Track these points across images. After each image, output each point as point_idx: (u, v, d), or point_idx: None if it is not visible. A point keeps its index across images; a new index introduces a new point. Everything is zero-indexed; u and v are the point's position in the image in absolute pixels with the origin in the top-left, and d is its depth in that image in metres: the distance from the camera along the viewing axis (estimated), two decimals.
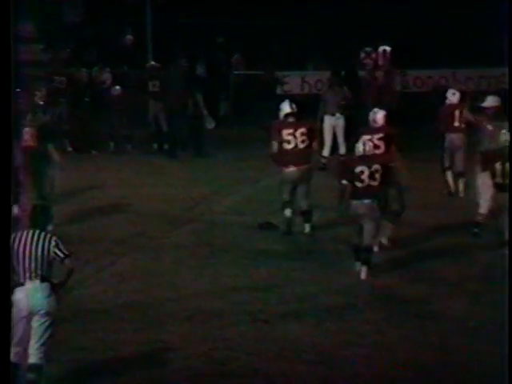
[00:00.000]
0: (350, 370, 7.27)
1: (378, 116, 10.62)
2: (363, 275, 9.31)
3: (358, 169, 9.40)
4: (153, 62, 18.62)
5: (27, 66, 21.25)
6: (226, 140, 17.97)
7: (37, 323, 6.66)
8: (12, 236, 6.73)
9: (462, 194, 12.82)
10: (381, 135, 10.27)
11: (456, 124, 12.99)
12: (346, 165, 9.85)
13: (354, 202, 9.41)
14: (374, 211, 9.39)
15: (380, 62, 18.04)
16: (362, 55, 18.43)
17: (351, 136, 15.38)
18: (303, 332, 7.99)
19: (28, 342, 6.70)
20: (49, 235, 6.74)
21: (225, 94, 20.26)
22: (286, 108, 11.09)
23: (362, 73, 18.14)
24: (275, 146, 10.94)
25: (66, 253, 6.72)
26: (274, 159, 11.11)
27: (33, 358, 6.68)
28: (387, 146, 10.22)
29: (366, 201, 9.36)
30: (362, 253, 9.45)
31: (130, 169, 14.70)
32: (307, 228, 10.99)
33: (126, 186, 13.10)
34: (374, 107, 16.25)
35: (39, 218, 6.82)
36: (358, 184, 9.39)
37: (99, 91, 18.23)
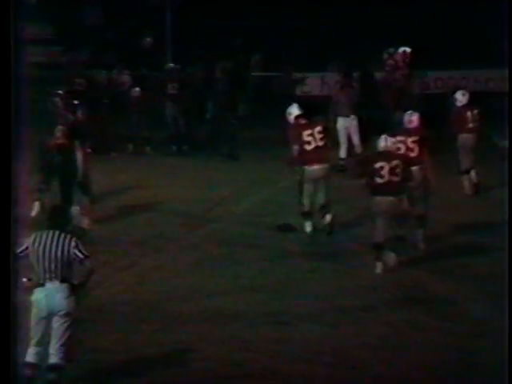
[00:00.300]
0: (370, 372, 7.25)
1: (413, 118, 10.68)
2: (378, 269, 9.44)
3: (378, 164, 9.45)
4: (172, 64, 18.64)
5: (47, 68, 21.41)
6: (245, 141, 17.96)
7: (57, 324, 6.70)
8: (32, 236, 6.78)
9: (469, 192, 12.76)
10: (415, 138, 10.34)
11: (469, 125, 12.97)
12: (365, 161, 9.89)
13: (377, 198, 9.43)
14: (396, 208, 9.43)
15: (400, 64, 17.96)
16: (385, 56, 18.34)
17: (366, 137, 15.41)
18: (322, 334, 7.97)
19: (48, 342, 6.73)
20: (68, 236, 6.77)
21: (244, 96, 20.25)
22: (295, 111, 11.14)
23: (380, 74, 18.06)
24: (296, 148, 10.94)
25: (86, 254, 6.75)
26: (294, 161, 11.10)
27: (53, 358, 6.72)
28: (421, 148, 10.28)
29: (390, 197, 9.40)
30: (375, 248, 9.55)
31: (148, 170, 14.72)
32: (328, 218, 10.95)
33: (145, 188, 13.12)
34: (393, 109, 16.28)
35: (59, 219, 6.85)
36: (379, 180, 9.42)
37: (118, 93, 18.28)
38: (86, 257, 6.74)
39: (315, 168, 10.83)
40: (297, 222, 11.36)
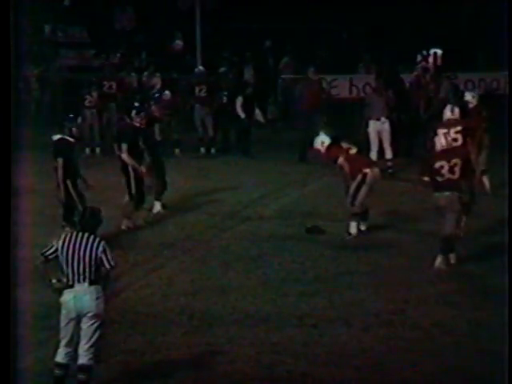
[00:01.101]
0: (399, 375, 7.20)
1: (456, 110, 11.16)
2: (437, 263, 9.68)
3: (438, 164, 9.74)
4: (200, 67, 18.70)
5: (79, 71, 21.58)
6: (274, 144, 17.97)
7: (86, 325, 6.75)
8: (61, 238, 6.84)
9: (489, 191, 12.70)
10: (458, 128, 10.78)
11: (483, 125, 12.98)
12: (426, 162, 10.10)
13: (436, 195, 9.77)
14: (454, 203, 9.69)
15: (430, 66, 17.86)
16: (419, 58, 18.24)
17: (397, 139, 15.32)
18: (351, 337, 7.94)
19: (77, 343, 6.79)
20: (97, 239, 6.81)
21: (273, 98, 20.26)
22: (326, 139, 11.20)
23: (410, 76, 17.94)
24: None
25: (112, 264, 6.79)
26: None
27: (82, 358, 6.77)
28: (464, 138, 10.72)
29: (447, 193, 9.68)
30: (440, 243, 9.76)
31: (177, 172, 14.75)
32: (363, 226, 11.11)
33: (174, 190, 13.15)
34: (424, 111, 16.17)
35: (89, 222, 6.89)
36: (439, 178, 9.74)
37: (149, 96, 18.37)
38: (111, 267, 6.78)
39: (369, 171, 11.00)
40: (326, 224, 11.35)
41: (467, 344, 7.78)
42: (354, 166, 10.97)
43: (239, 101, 16.58)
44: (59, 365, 6.83)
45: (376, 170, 11.24)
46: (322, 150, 11.19)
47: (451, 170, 9.72)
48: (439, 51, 19.83)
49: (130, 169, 11.47)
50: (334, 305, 8.72)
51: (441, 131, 10.88)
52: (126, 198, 11.52)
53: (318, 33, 21.66)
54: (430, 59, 19.55)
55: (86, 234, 6.80)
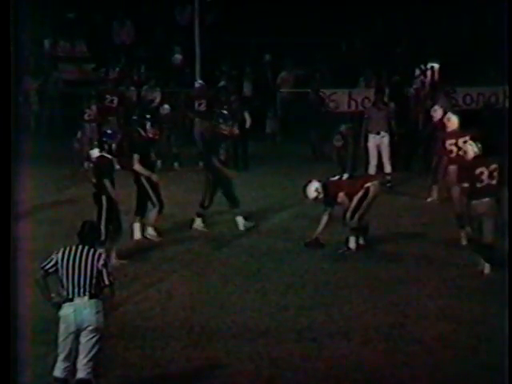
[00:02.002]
0: None
1: (455, 120, 11.29)
2: (487, 270, 9.78)
3: (478, 170, 9.77)
4: (200, 81, 18.74)
5: (78, 85, 21.61)
6: (273, 157, 17.98)
7: (85, 339, 6.72)
8: (61, 251, 6.82)
9: None
10: (466, 138, 10.71)
11: None
12: (465, 168, 10.12)
13: (474, 202, 9.76)
14: (493, 209, 9.71)
15: (427, 80, 17.91)
16: (418, 72, 18.26)
17: (397, 153, 15.34)
18: (351, 351, 7.91)
19: (76, 357, 6.75)
20: (98, 252, 6.81)
21: (272, 112, 20.29)
22: (318, 185, 11.18)
23: (410, 90, 17.99)
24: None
25: (110, 280, 6.76)
26: None
27: (81, 373, 6.74)
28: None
29: (486, 199, 9.69)
30: (484, 250, 9.78)
31: (177, 186, 14.76)
32: (362, 241, 11.10)
33: (173, 204, 13.14)
34: (423, 125, 16.17)
35: (89, 235, 6.88)
36: (478, 184, 9.75)
37: (148, 110, 18.39)
38: (110, 284, 6.76)
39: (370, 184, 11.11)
40: (326, 238, 11.35)
41: (467, 358, 7.75)
42: (353, 193, 10.99)
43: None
44: (57, 379, 6.79)
45: (376, 183, 11.26)
46: (320, 196, 11.15)
47: (491, 176, 9.74)
48: (436, 65, 19.86)
49: (144, 179, 11.40)
50: (334, 318, 8.70)
51: (448, 142, 10.94)
52: (151, 207, 11.52)
53: (317, 47, 21.71)
54: (428, 73, 19.59)
55: (86, 248, 6.78)
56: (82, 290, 6.67)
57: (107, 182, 10.21)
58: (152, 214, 11.59)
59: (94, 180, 10.42)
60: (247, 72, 21.28)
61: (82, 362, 6.72)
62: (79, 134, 17.36)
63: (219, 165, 11.88)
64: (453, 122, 11.38)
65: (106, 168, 10.32)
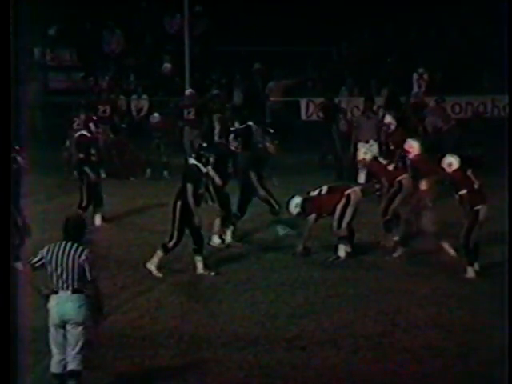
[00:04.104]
0: None
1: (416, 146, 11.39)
2: (469, 274, 10.15)
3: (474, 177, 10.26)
4: (189, 90, 18.75)
5: (67, 94, 21.60)
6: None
7: (70, 332, 6.89)
8: (46, 247, 7.00)
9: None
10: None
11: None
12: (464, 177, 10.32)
13: (476, 208, 10.08)
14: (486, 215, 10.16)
15: (416, 89, 17.97)
16: (415, 77, 18.28)
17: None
18: (340, 359, 7.91)
19: (65, 350, 6.91)
20: (81, 248, 6.95)
21: (261, 121, 20.29)
22: (299, 200, 11.31)
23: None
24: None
25: (93, 277, 6.92)
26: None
27: (71, 364, 6.90)
28: None
29: (485, 206, 10.12)
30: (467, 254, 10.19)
31: (166, 195, 14.69)
32: (349, 249, 11.12)
33: (163, 213, 13.11)
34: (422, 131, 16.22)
35: (72, 231, 7.01)
36: (476, 192, 10.13)
37: (137, 118, 18.41)
38: (91, 279, 6.91)
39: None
40: (315, 246, 11.36)
41: (457, 367, 7.76)
42: (334, 203, 11.05)
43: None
44: (55, 375, 6.93)
45: (357, 189, 11.29)
46: (300, 210, 11.23)
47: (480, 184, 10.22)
48: (425, 74, 19.97)
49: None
50: (323, 327, 8.70)
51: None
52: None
53: (307, 56, 21.77)
54: (425, 77, 19.65)
55: (70, 243, 6.95)
56: (65, 285, 6.87)
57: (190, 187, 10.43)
58: (217, 221, 11.68)
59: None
60: (237, 81, 21.32)
61: (71, 354, 6.89)
62: (68, 143, 17.34)
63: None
64: (415, 147, 11.40)
65: (191, 175, 10.57)
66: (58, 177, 16.38)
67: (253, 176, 12.09)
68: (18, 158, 10.76)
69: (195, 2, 21.05)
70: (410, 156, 11.44)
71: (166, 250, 10.55)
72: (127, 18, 23.17)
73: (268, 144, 12.37)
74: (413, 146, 11.49)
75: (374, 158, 11.95)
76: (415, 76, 18.82)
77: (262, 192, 12.13)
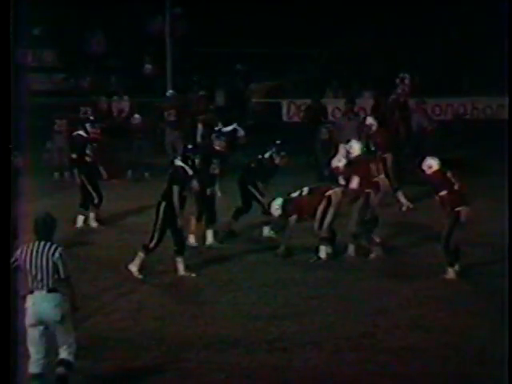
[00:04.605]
0: None
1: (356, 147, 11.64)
2: (449, 275, 10.19)
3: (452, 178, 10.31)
4: (171, 91, 18.72)
5: (50, 95, 21.50)
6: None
7: (54, 331, 6.90)
8: (20, 248, 7.02)
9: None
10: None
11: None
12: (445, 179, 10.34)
13: (457, 209, 10.14)
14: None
15: (398, 90, 18.00)
16: (397, 80, 18.31)
17: None
18: (322, 361, 7.93)
19: (43, 350, 6.89)
20: (54, 246, 6.94)
21: (244, 122, 20.31)
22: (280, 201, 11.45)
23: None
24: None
25: (66, 275, 6.92)
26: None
27: (62, 353, 6.93)
28: None
29: (466, 207, 10.16)
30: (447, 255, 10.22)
31: (148, 196, 14.68)
32: (330, 250, 11.16)
33: (145, 214, 13.10)
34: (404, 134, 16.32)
35: (42, 230, 7.00)
36: (456, 193, 10.17)
37: (118, 119, 18.36)
38: (65, 277, 6.92)
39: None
40: (296, 248, 11.37)
41: (437, 367, 7.79)
42: (315, 204, 11.07)
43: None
44: (33, 375, 6.89)
45: (338, 189, 11.31)
46: (281, 212, 11.28)
47: (459, 185, 10.33)
48: (407, 76, 20.02)
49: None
50: (305, 328, 8.72)
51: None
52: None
53: (289, 57, 21.79)
54: (406, 82, 19.68)
55: (43, 242, 6.95)
56: (40, 284, 6.86)
57: (175, 188, 10.43)
58: (193, 221, 11.73)
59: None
60: (219, 82, 21.33)
61: (63, 347, 6.94)
62: (49, 145, 17.27)
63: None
64: (354, 149, 11.56)
65: (177, 177, 10.53)
66: (39, 178, 16.29)
67: (253, 183, 12.30)
68: (15, 159, 10.77)
69: (177, 3, 21.02)
70: (350, 157, 11.62)
71: (146, 250, 10.53)
72: (109, 19, 23.11)
73: (275, 156, 12.42)
74: (353, 147, 11.65)
75: (349, 163, 11.94)
76: (397, 79, 18.88)
77: (258, 196, 12.30)
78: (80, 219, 12.97)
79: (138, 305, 9.47)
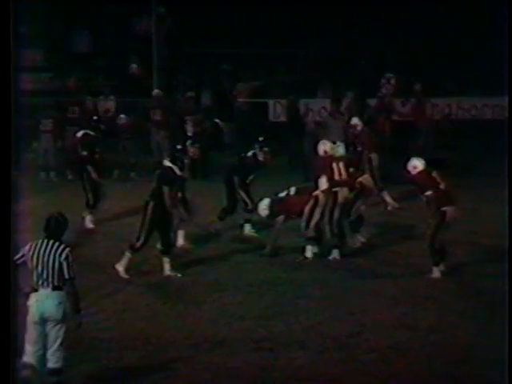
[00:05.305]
0: None
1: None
2: (434, 274, 10.24)
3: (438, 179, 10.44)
4: (157, 90, 18.68)
5: (35, 95, 21.40)
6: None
7: (49, 330, 6.92)
8: (28, 244, 7.04)
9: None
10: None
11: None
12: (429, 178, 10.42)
13: (444, 209, 10.15)
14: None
15: (384, 91, 18.07)
16: (383, 81, 18.39)
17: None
18: (308, 360, 7.93)
19: (44, 347, 6.93)
20: (62, 246, 7.00)
21: (230, 122, 20.31)
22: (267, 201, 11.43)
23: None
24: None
25: (70, 275, 6.97)
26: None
27: (50, 362, 6.94)
28: None
29: (453, 207, 10.28)
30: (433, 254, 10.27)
31: (134, 196, 14.65)
32: (316, 249, 11.16)
33: (131, 214, 13.08)
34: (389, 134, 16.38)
35: (53, 229, 7.05)
36: (442, 192, 10.22)
37: (104, 119, 18.29)
38: (70, 278, 6.96)
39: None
40: (282, 247, 11.37)
41: (422, 366, 7.81)
42: (302, 204, 11.08)
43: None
44: (25, 365, 6.92)
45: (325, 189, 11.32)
46: (269, 211, 11.28)
47: (445, 186, 10.41)
48: (392, 77, 20.09)
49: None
50: (291, 328, 8.72)
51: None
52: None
53: (276, 57, 21.78)
54: (392, 82, 19.76)
55: (51, 241, 7.00)
56: (45, 282, 6.91)
57: (166, 189, 10.41)
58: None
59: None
60: (205, 82, 21.30)
61: (49, 352, 6.94)
62: (35, 145, 17.21)
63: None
64: (320, 149, 11.69)
65: (166, 178, 10.51)
66: (25, 178, 16.22)
67: (236, 181, 12.28)
68: None
69: (162, 2, 20.97)
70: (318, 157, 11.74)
71: (133, 250, 10.51)
72: (95, 18, 23.03)
73: (258, 153, 12.42)
74: (320, 149, 11.78)
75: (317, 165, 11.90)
76: (383, 79, 18.94)
77: (242, 194, 12.32)
78: (88, 219, 12.93)
79: (123, 305, 9.45)
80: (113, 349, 8.17)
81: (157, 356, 8.02)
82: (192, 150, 11.70)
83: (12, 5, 6.56)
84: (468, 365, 7.80)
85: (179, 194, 11.07)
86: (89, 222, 12.98)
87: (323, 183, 11.16)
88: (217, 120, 16.99)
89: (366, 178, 11.68)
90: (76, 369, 7.66)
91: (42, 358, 6.93)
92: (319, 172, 11.34)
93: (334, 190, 11.19)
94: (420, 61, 21.23)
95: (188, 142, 11.72)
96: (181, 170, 10.71)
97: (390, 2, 21.31)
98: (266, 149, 12.48)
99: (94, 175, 12.94)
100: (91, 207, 12.98)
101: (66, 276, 6.94)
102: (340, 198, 11.21)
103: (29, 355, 6.93)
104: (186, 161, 10.90)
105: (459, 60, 20.76)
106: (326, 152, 11.71)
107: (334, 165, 11.44)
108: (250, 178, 12.44)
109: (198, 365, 7.80)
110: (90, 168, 12.98)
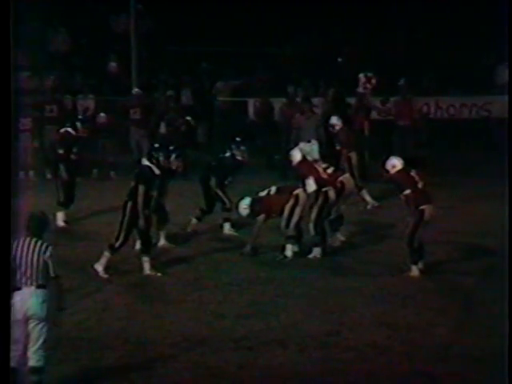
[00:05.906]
0: None
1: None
2: (413, 273, 10.28)
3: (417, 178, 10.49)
4: (136, 89, 18.64)
5: (13, 93, 21.24)
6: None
7: (32, 328, 6.91)
8: (13, 242, 7.01)
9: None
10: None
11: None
12: (406, 178, 10.44)
13: (423, 207, 10.21)
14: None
15: (361, 89, 18.11)
16: (363, 79, 18.42)
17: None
18: (287, 359, 7.96)
19: (22, 346, 6.92)
20: (45, 244, 7.00)
21: (209, 121, 20.31)
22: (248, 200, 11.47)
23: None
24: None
25: (56, 273, 6.99)
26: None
27: (31, 361, 6.93)
28: None
29: (430, 205, 10.29)
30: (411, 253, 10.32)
31: (113, 195, 14.63)
32: (296, 249, 11.16)
33: (110, 213, 13.05)
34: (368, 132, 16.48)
35: (35, 228, 7.05)
36: (420, 191, 10.32)
37: (83, 118, 18.20)
38: (55, 276, 6.98)
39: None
40: (262, 246, 11.40)
41: (401, 364, 7.86)
42: (282, 203, 11.11)
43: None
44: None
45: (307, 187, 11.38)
46: (249, 210, 11.32)
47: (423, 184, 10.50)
48: (373, 76, 20.16)
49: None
50: (270, 327, 8.75)
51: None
52: None
53: (254, 56, 21.79)
54: (373, 81, 19.82)
55: (34, 239, 7.00)
56: (29, 281, 6.91)
57: (141, 188, 10.42)
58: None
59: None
60: (184, 80, 21.27)
61: (31, 350, 6.93)
62: (13, 144, 17.08)
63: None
64: (295, 157, 11.75)
65: (144, 177, 10.52)
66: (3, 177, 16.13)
67: (214, 181, 12.32)
68: None
69: (141, 0, 20.91)
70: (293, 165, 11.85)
71: (112, 250, 10.49)
72: (73, 16, 22.92)
73: (235, 152, 12.46)
74: (292, 155, 11.86)
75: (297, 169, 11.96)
76: (362, 78, 19.00)
77: (220, 193, 12.38)
78: (60, 216, 12.91)
79: (103, 304, 9.44)
80: (92, 348, 8.16)
81: (137, 355, 8.02)
82: (175, 164, 11.61)
83: (12, 5, 6.54)
84: (446, 363, 7.86)
85: (154, 194, 10.95)
86: (60, 221, 12.92)
87: (311, 185, 11.20)
88: (188, 118, 16.96)
89: (346, 177, 11.73)
90: (56, 369, 7.64)
91: (21, 358, 6.91)
92: (305, 174, 11.38)
93: (324, 189, 11.25)
94: (399, 59, 21.32)
95: (172, 157, 11.60)
96: (159, 168, 10.70)
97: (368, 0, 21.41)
98: (243, 148, 12.52)
99: (63, 174, 12.86)
100: (62, 205, 12.90)
101: (52, 274, 6.95)
102: (332, 197, 11.27)
103: (11, 358, 6.88)
104: (161, 159, 10.83)
105: (438, 58, 20.87)
106: (303, 156, 11.77)
107: (317, 165, 11.50)
108: (229, 179, 12.47)
109: (178, 364, 7.81)
110: (62, 167, 12.91)
